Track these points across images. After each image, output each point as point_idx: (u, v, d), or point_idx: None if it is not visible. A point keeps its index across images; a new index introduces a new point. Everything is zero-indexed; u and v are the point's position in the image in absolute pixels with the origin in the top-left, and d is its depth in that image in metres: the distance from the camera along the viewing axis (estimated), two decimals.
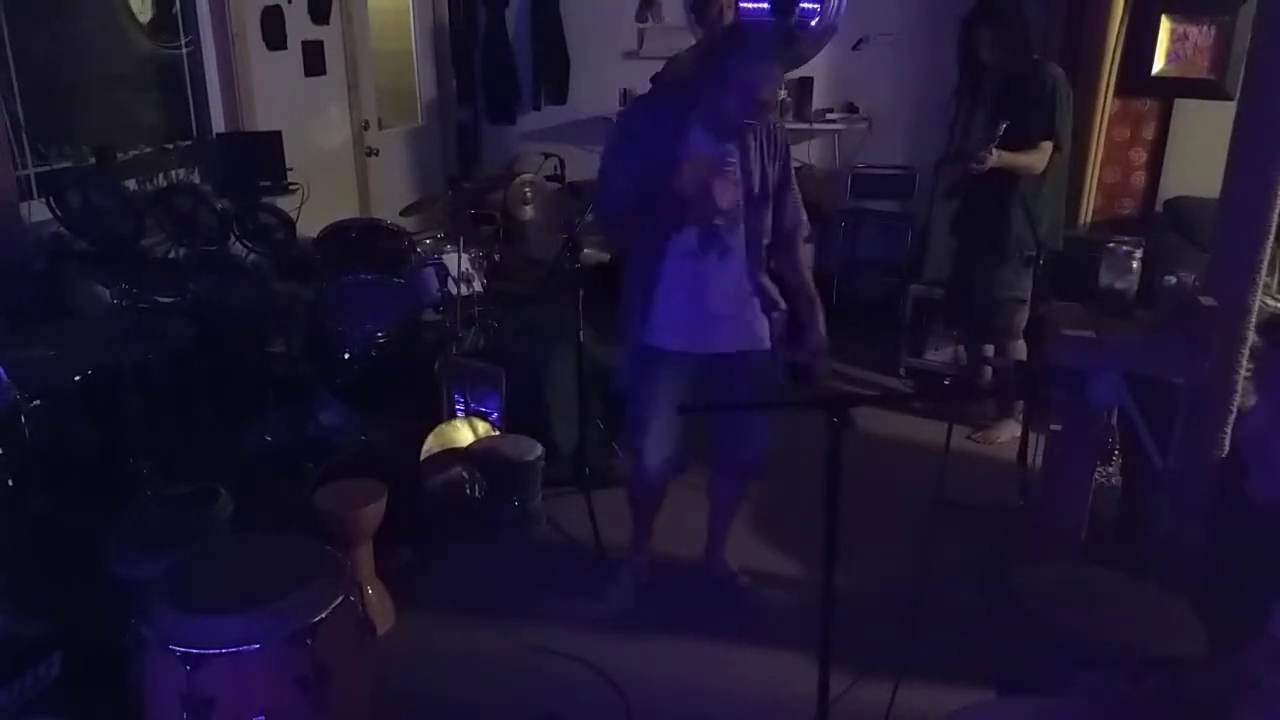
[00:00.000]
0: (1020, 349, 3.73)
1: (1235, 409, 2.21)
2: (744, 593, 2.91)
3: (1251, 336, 2.18)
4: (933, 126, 4.65)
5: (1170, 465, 2.27)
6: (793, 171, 2.59)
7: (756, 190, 2.46)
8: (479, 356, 3.69)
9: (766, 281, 2.58)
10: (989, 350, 3.91)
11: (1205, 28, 4.06)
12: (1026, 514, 2.96)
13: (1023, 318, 3.66)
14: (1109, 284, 2.51)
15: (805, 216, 2.64)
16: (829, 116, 5.37)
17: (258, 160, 4.20)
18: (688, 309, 2.50)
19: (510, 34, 6.01)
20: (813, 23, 5.41)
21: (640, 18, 5.47)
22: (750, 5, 5.35)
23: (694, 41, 4.51)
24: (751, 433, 2.69)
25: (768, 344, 2.61)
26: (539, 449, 3.27)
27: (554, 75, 5.95)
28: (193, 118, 4.25)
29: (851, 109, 5.41)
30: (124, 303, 3.11)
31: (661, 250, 2.47)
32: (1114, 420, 2.56)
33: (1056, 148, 3.44)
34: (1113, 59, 4.15)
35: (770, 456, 3.58)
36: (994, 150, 3.33)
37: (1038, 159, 3.41)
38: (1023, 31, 3.47)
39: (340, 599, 1.90)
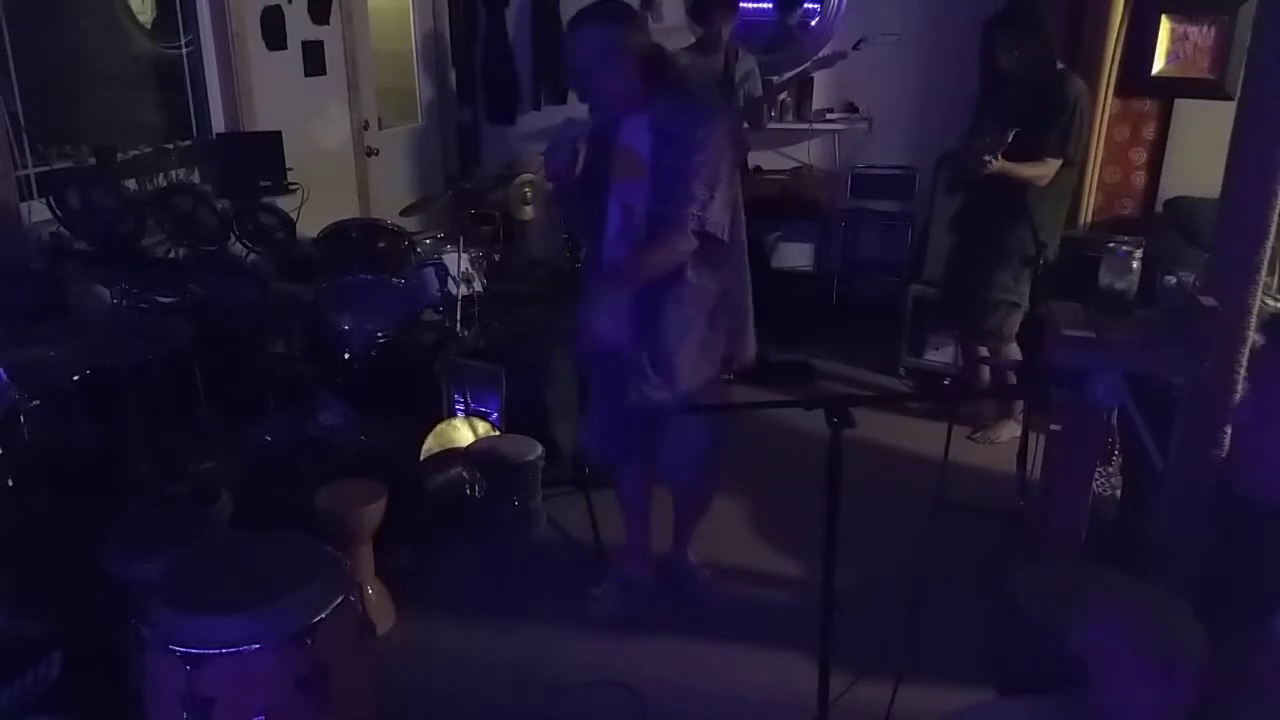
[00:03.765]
0: (1013, 352, 3.72)
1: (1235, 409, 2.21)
2: (702, 587, 2.91)
3: (1253, 336, 2.18)
4: (933, 126, 4.66)
5: (1170, 465, 2.27)
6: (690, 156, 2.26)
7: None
8: (479, 356, 3.69)
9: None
10: (983, 351, 3.90)
11: (1205, 27, 4.06)
12: (1027, 514, 2.96)
13: (1015, 322, 3.64)
14: (1109, 284, 2.50)
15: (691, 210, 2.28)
16: (829, 116, 5.37)
17: (258, 160, 4.20)
18: None
19: (510, 34, 6.01)
20: (812, 22, 5.42)
21: None
22: (754, 4, 5.36)
23: (693, 40, 4.52)
24: (681, 454, 2.60)
25: None
26: (539, 449, 3.27)
27: (554, 75, 5.94)
28: (193, 118, 4.25)
29: (851, 109, 5.41)
30: (124, 303, 3.12)
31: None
32: (1114, 420, 2.56)
33: (1069, 163, 3.39)
34: (1113, 59, 4.15)
35: (770, 456, 3.58)
36: (998, 156, 3.29)
37: (1042, 173, 3.36)
38: (1045, 40, 3.42)
39: (340, 599, 1.90)
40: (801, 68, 4.76)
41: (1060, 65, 3.44)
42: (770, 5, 5.45)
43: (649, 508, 2.86)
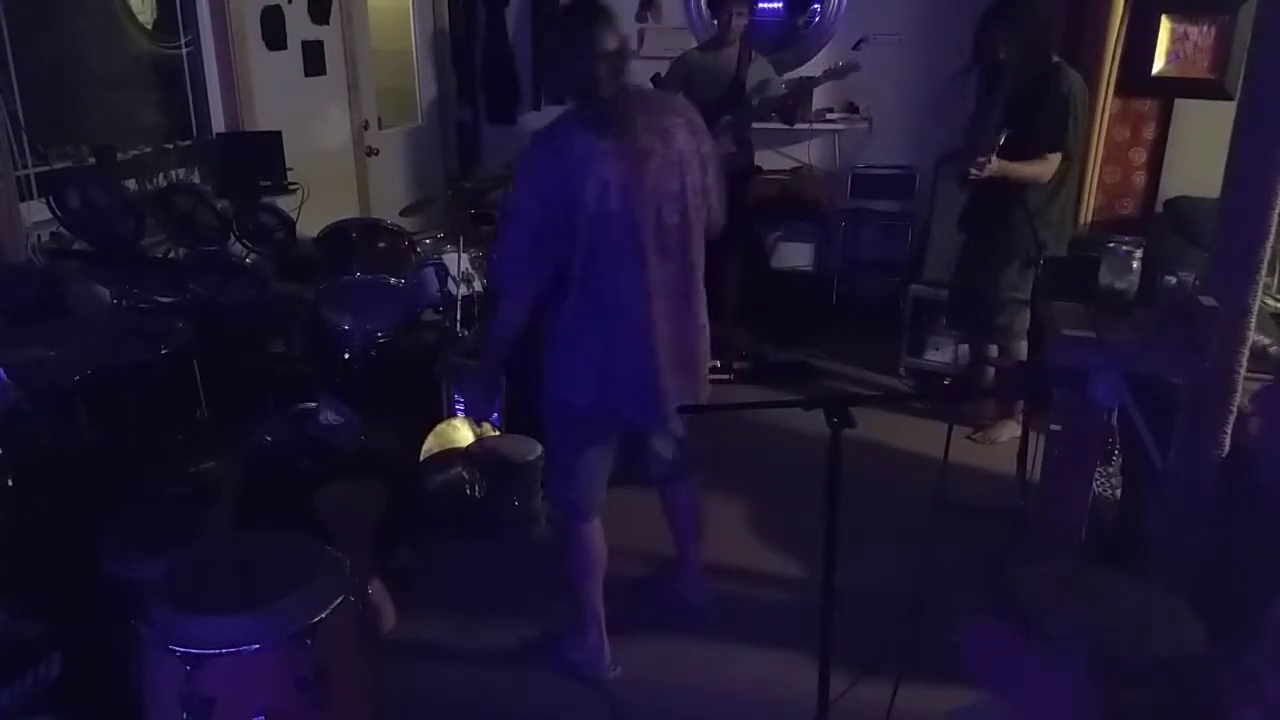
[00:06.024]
0: (1023, 350, 3.72)
1: (1235, 409, 2.21)
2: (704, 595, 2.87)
3: (1252, 336, 2.18)
4: (933, 126, 4.65)
5: (1170, 465, 2.27)
6: None
7: None
8: (479, 356, 3.68)
9: None
10: (992, 350, 3.91)
11: (1205, 27, 4.05)
12: (1027, 514, 2.96)
13: (1024, 319, 3.64)
14: (1109, 284, 2.50)
15: None
16: (829, 116, 5.37)
17: (258, 160, 4.20)
18: None
19: (510, 34, 6.01)
20: (814, 22, 5.42)
21: (640, 18, 5.47)
22: (764, 4, 5.36)
23: (694, 42, 4.51)
24: None
25: None
26: (539, 449, 3.26)
27: None
28: (193, 118, 4.25)
29: (851, 109, 5.41)
30: (124, 303, 3.12)
31: None
32: (1114, 420, 2.56)
33: (1067, 157, 3.38)
34: (1113, 59, 4.15)
35: (770, 456, 3.57)
36: (994, 159, 3.28)
37: (1043, 170, 3.36)
38: (1039, 33, 3.40)
39: (340, 599, 1.90)
40: (814, 76, 4.73)
41: (1055, 59, 3.43)
42: (780, 5, 5.45)
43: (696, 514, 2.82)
